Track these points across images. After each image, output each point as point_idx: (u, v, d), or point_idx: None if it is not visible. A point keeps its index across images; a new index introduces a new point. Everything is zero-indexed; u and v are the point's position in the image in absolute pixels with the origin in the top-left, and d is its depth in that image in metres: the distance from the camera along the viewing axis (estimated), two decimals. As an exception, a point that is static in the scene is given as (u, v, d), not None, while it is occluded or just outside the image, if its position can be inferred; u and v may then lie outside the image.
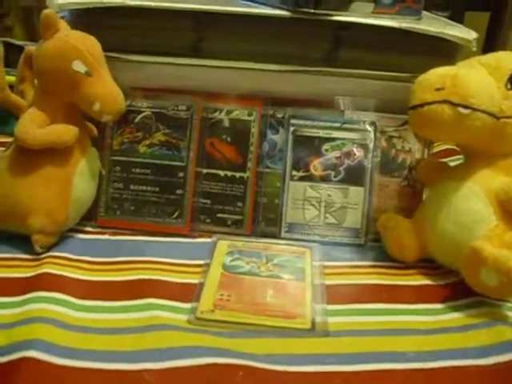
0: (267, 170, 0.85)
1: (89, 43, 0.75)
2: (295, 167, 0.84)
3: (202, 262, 0.76)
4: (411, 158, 0.86)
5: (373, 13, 0.83)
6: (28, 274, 0.70)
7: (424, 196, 0.86)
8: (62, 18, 0.80)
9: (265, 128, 0.85)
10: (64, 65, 0.73)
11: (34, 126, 0.73)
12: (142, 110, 0.85)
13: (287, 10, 0.81)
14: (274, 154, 0.85)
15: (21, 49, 0.81)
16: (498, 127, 0.69)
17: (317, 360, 0.59)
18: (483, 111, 0.67)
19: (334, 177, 0.84)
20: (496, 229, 0.69)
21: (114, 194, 0.84)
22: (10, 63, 0.86)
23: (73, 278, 0.71)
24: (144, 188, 0.84)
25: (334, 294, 0.71)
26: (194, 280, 0.72)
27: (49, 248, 0.76)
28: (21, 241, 0.76)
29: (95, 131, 0.86)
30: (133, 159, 0.85)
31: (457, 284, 0.73)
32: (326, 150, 0.84)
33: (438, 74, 0.70)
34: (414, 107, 0.71)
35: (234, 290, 0.70)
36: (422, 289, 0.74)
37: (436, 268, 0.77)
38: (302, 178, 0.84)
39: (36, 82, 0.78)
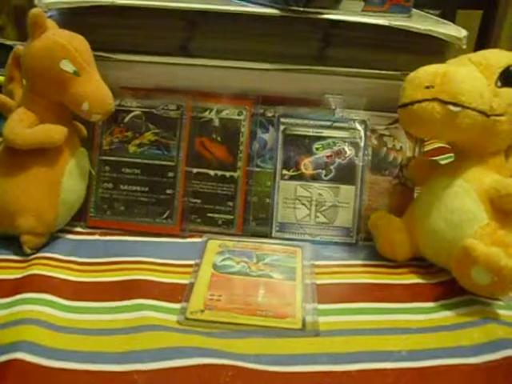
0: (257, 169, 0.85)
1: (77, 42, 0.74)
2: (286, 166, 0.84)
3: (192, 262, 0.76)
4: (402, 157, 0.86)
5: (363, 11, 0.83)
6: (17, 276, 0.70)
7: (415, 194, 0.86)
8: (50, 17, 0.80)
9: (255, 127, 0.85)
10: (52, 64, 0.72)
11: (23, 126, 0.73)
12: (132, 109, 0.85)
13: (277, 8, 0.80)
14: (264, 153, 0.85)
15: (11, 49, 0.80)
16: (488, 125, 0.69)
17: (307, 360, 0.59)
18: (473, 109, 0.67)
19: (325, 176, 0.83)
20: (487, 227, 0.69)
21: (104, 194, 0.84)
22: (1, 63, 0.85)
23: (62, 278, 0.71)
24: (134, 188, 0.84)
25: (325, 294, 0.71)
26: (184, 280, 0.72)
27: (38, 249, 0.75)
28: (10, 242, 0.75)
29: (84, 131, 0.85)
30: (122, 159, 0.84)
31: (448, 282, 0.73)
32: (317, 149, 0.84)
33: (427, 72, 0.69)
34: (404, 105, 0.71)
35: (225, 290, 0.70)
36: (413, 287, 0.74)
37: (427, 267, 0.77)
38: (292, 177, 0.84)
39: (24, 81, 0.78)
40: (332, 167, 0.84)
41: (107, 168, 0.84)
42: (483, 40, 1.91)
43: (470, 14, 1.95)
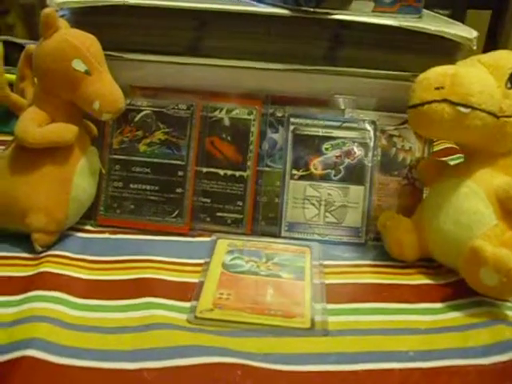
0: (267, 168, 0.85)
1: (88, 42, 0.75)
2: (295, 166, 0.84)
3: (201, 260, 0.76)
4: (411, 157, 0.86)
5: (373, 11, 0.83)
6: (28, 273, 0.70)
7: (424, 195, 0.86)
8: (62, 16, 0.80)
9: (265, 127, 0.85)
10: (64, 64, 0.73)
11: (34, 125, 0.73)
12: (142, 108, 0.85)
13: (287, 8, 0.80)
14: (273, 153, 0.85)
15: (22, 47, 0.81)
16: (497, 126, 0.69)
17: (316, 359, 0.59)
18: (483, 110, 0.67)
19: (334, 176, 0.84)
20: (496, 228, 0.69)
21: (114, 192, 0.84)
22: (12, 62, 0.86)
23: (72, 276, 0.71)
24: (144, 187, 0.84)
25: (333, 293, 0.71)
26: (194, 279, 0.72)
27: (49, 247, 0.76)
28: (21, 239, 0.76)
29: (95, 130, 0.86)
30: (133, 158, 0.85)
31: (457, 283, 0.73)
32: (326, 149, 0.84)
33: (437, 73, 0.69)
34: (414, 106, 0.70)
35: (234, 289, 0.70)
36: (421, 288, 0.74)
37: (436, 267, 0.77)
38: (302, 177, 0.84)
39: (36, 80, 0.78)
40: (341, 167, 0.84)
41: (117, 167, 0.85)
42: (493, 40, 1.90)
43: (480, 14, 1.95)
